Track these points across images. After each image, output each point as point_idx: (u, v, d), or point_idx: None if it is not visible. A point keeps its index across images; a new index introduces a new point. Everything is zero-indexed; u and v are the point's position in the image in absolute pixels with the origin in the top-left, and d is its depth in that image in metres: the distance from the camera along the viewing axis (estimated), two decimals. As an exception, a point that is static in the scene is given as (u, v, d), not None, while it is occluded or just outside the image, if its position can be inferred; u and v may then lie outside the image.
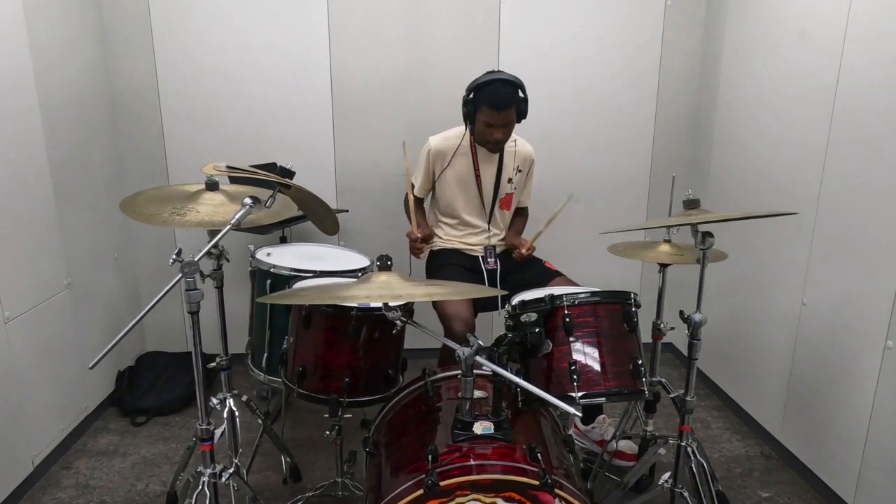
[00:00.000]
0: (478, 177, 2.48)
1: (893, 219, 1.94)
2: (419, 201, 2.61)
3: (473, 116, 2.33)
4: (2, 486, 2.12)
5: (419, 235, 2.43)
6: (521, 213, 2.71)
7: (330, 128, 3.11)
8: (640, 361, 1.69)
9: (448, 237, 2.58)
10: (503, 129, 2.32)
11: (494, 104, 2.26)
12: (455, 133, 2.48)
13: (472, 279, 2.40)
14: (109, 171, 2.92)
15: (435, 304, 2.28)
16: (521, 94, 2.30)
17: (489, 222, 2.54)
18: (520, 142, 2.54)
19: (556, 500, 1.34)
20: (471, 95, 2.31)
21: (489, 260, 2.49)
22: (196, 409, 1.58)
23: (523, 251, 2.43)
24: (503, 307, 1.89)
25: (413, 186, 2.53)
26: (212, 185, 1.68)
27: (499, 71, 2.34)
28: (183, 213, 1.59)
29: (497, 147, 2.42)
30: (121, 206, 1.62)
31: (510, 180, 2.53)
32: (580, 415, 1.41)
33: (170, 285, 1.42)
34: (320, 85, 3.06)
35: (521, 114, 2.33)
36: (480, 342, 1.46)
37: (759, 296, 2.67)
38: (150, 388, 2.90)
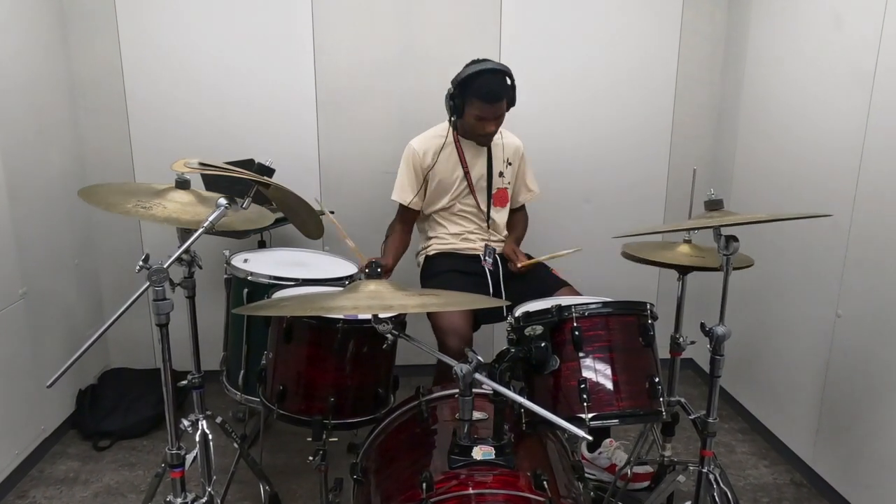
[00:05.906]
0: (467, 172, 2.54)
1: (936, 221, 1.95)
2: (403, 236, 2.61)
3: (461, 110, 2.40)
4: (-52, 519, 2.12)
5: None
6: (520, 212, 2.78)
7: (313, 120, 3.12)
8: (656, 379, 1.69)
9: (443, 241, 2.61)
10: (495, 121, 2.42)
11: (486, 97, 2.34)
12: (436, 132, 2.56)
13: (473, 283, 2.43)
14: (69, 168, 2.92)
15: (430, 315, 2.29)
16: (509, 82, 2.37)
17: (487, 219, 2.60)
18: (506, 134, 2.62)
19: (564, 534, 1.34)
20: (457, 90, 2.38)
21: (487, 258, 2.53)
22: (165, 431, 1.58)
23: (518, 265, 2.48)
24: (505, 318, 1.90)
25: (403, 208, 2.58)
26: (182, 184, 1.69)
27: (483, 60, 2.40)
28: (149, 206, 1.58)
29: (487, 140, 2.51)
30: (80, 193, 1.61)
31: (501, 174, 2.60)
32: (590, 438, 1.41)
33: (136, 295, 1.43)
34: (303, 72, 3.07)
35: (511, 102, 2.42)
36: (480, 358, 1.46)
37: (788, 306, 2.68)
38: (114, 408, 2.90)
